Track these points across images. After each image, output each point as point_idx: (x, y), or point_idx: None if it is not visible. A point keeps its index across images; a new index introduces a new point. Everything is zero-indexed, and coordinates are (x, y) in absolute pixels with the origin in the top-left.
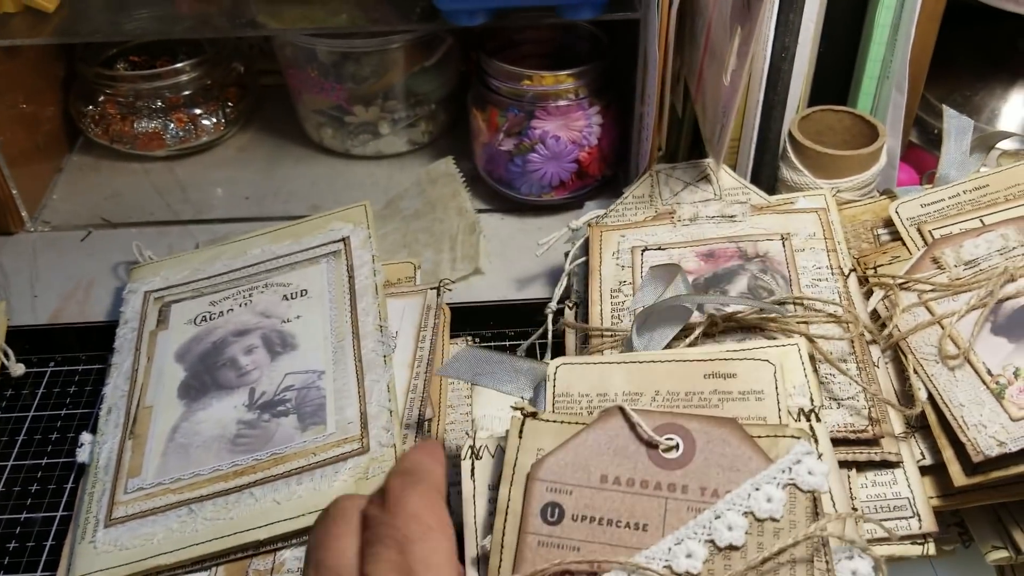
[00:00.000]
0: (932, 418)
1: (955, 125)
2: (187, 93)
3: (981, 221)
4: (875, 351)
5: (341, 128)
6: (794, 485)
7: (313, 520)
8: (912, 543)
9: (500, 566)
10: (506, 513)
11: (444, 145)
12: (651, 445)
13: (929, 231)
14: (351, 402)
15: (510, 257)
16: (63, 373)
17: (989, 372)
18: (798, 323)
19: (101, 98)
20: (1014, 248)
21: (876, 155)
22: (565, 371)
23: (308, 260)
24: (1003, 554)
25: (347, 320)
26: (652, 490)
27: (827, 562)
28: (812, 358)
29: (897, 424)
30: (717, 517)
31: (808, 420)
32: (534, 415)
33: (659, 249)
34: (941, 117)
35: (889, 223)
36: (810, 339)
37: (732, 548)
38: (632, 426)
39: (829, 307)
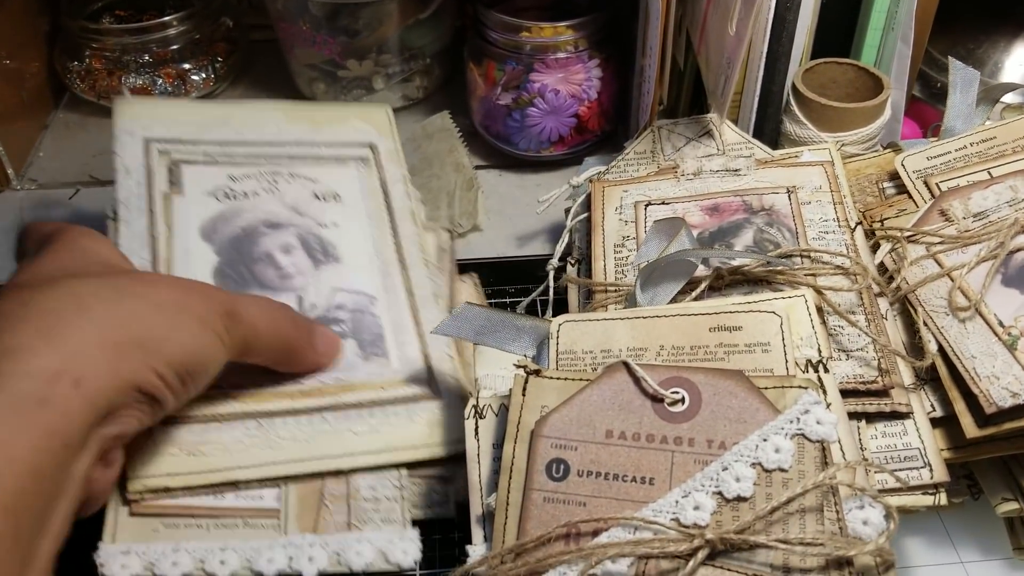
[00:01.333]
0: (943, 371)
1: (961, 77)
2: (175, 48)
3: (989, 173)
4: (883, 304)
5: (334, 83)
6: (802, 435)
7: (395, 458)
8: (923, 493)
9: (506, 523)
10: (511, 471)
11: (440, 100)
12: (656, 399)
13: (936, 184)
14: (411, 339)
15: (509, 214)
16: None
17: (1001, 323)
18: (805, 275)
19: (87, 53)
20: (1023, 199)
21: (881, 108)
22: (568, 328)
23: (334, 158)
24: (1013, 506)
25: (390, 244)
26: (658, 444)
27: (837, 511)
28: (820, 309)
29: (907, 376)
30: (724, 469)
31: (816, 371)
32: (537, 372)
33: (663, 204)
34: (944, 71)
35: (894, 177)
36: (818, 291)
37: (740, 499)
38: (637, 380)
39: (837, 259)
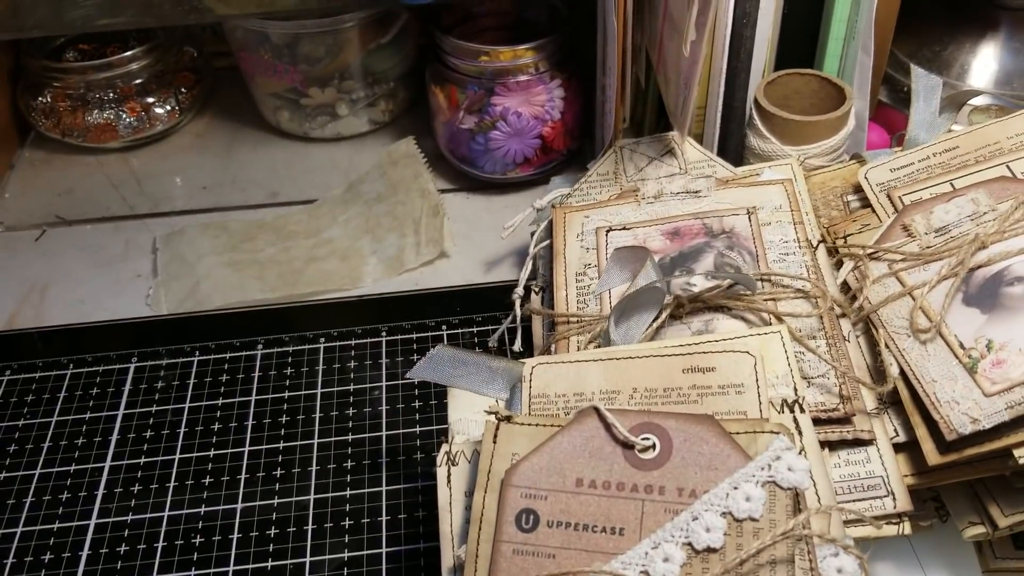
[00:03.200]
0: (904, 394)
1: (923, 85)
2: (139, 81)
3: (952, 185)
4: (846, 324)
5: (298, 111)
6: (774, 483)
7: None
8: (887, 523)
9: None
10: (480, 521)
11: (406, 124)
12: (627, 446)
13: (899, 197)
14: None
15: (476, 238)
16: (20, 382)
17: (961, 345)
18: (765, 300)
19: (49, 91)
20: (984, 213)
21: (844, 119)
22: (541, 371)
23: None
24: (980, 530)
25: None
26: (629, 492)
27: (810, 560)
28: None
29: (869, 401)
30: (695, 519)
31: (792, 412)
32: (508, 419)
33: (624, 229)
34: (910, 75)
35: (859, 189)
36: (778, 317)
37: (710, 550)
38: (607, 427)
39: (797, 282)
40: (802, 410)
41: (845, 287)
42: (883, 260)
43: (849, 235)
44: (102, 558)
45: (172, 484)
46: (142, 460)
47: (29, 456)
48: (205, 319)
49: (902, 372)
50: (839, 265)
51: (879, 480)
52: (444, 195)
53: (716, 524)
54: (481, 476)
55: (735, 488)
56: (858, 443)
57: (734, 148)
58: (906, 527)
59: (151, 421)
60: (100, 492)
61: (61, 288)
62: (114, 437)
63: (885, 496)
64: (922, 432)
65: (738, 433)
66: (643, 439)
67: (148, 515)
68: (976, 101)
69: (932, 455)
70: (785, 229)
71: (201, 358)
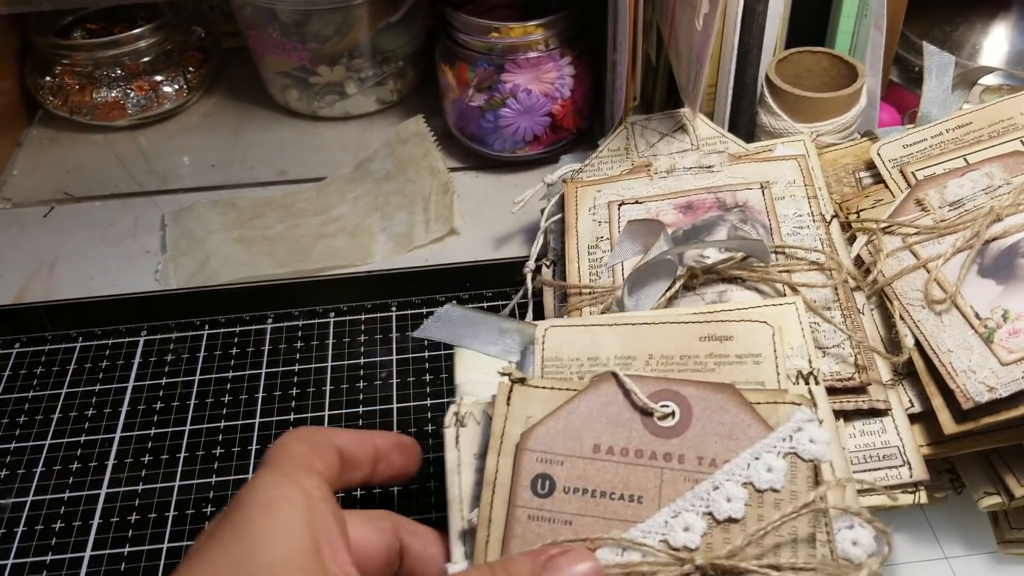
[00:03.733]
0: (920, 365)
1: (936, 62)
2: (147, 60)
3: (965, 160)
4: (860, 298)
5: (306, 89)
6: (795, 454)
7: None
8: (903, 492)
9: (488, 541)
10: (494, 485)
11: (414, 103)
12: (646, 413)
13: (912, 172)
14: None
15: (485, 216)
16: (29, 355)
17: (977, 315)
18: (780, 272)
19: (58, 69)
20: (999, 187)
21: (856, 96)
22: (554, 334)
23: None
24: (995, 500)
25: None
26: (647, 460)
27: (828, 532)
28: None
29: (884, 372)
30: (715, 488)
31: (807, 383)
32: (522, 381)
33: (636, 203)
34: (921, 54)
35: (871, 166)
36: (793, 288)
37: (731, 520)
38: (626, 393)
39: (811, 255)
40: (817, 382)
41: (858, 261)
42: (897, 234)
43: (862, 210)
44: (113, 527)
45: (183, 455)
46: (152, 431)
47: (39, 427)
48: (214, 293)
49: (917, 343)
50: (852, 240)
51: (895, 450)
52: (453, 174)
53: (738, 494)
54: (494, 439)
55: (756, 458)
56: (873, 413)
57: (745, 125)
58: (922, 496)
59: (161, 393)
60: (110, 462)
61: (70, 264)
62: (124, 409)
63: (901, 465)
64: (938, 402)
65: (759, 403)
66: (662, 406)
67: (159, 485)
68: (988, 81)
69: (948, 424)
70: (799, 203)
71: (211, 332)
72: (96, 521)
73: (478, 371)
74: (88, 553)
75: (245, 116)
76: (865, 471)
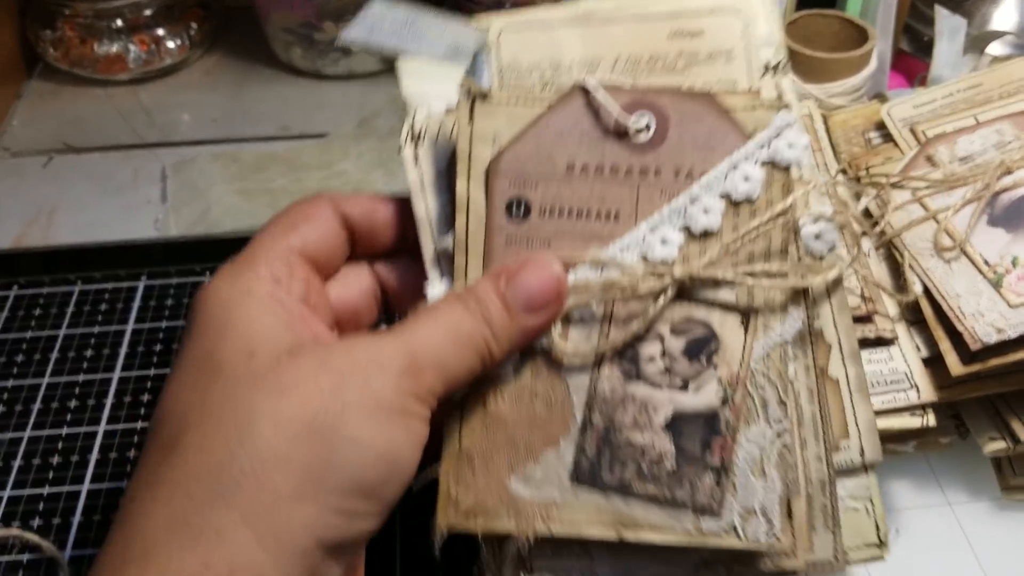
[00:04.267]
0: (928, 311)
1: (948, 25)
2: (148, 13)
3: (975, 119)
4: (866, 245)
5: (311, 47)
6: (772, 162)
7: None
8: (911, 414)
9: (467, 266)
10: (467, 210)
11: None
12: (620, 127)
13: (922, 131)
14: None
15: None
16: (27, 297)
17: (986, 262)
18: None
19: (59, 21)
20: (1010, 142)
21: (866, 58)
22: (510, 38)
23: None
24: (1000, 445)
25: None
26: (623, 176)
27: (795, 234)
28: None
29: (892, 313)
30: (693, 201)
31: (774, 74)
32: (484, 96)
33: None
34: (931, 24)
35: (880, 126)
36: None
37: (707, 234)
38: (597, 108)
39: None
40: (784, 73)
41: (866, 214)
42: (906, 188)
43: (871, 167)
44: (111, 463)
45: None
46: (152, 372)
47: (37, 366)
48: (215, 242)
49: (926, 290)
50: (859, 196)
51: (902, 375)
52: None
53: (714, 206)
54: (461, 163)
55: (734, 168)
56: (880, 342)
57: None
58: (930, 418)
59: (161, 336)
60: (109, 401)
61: (69, 212)
62: (123, 350)
63: (909, 388)
64: (945, 345)
65: (735, 111)
66: (638, 117)
67: None
68: (996, 51)
69: (955, 366)
70: None
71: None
72: (94, 456)
73: (426, 80)
74: (86, 487)
75: (248, 74)
76: (874, 395)
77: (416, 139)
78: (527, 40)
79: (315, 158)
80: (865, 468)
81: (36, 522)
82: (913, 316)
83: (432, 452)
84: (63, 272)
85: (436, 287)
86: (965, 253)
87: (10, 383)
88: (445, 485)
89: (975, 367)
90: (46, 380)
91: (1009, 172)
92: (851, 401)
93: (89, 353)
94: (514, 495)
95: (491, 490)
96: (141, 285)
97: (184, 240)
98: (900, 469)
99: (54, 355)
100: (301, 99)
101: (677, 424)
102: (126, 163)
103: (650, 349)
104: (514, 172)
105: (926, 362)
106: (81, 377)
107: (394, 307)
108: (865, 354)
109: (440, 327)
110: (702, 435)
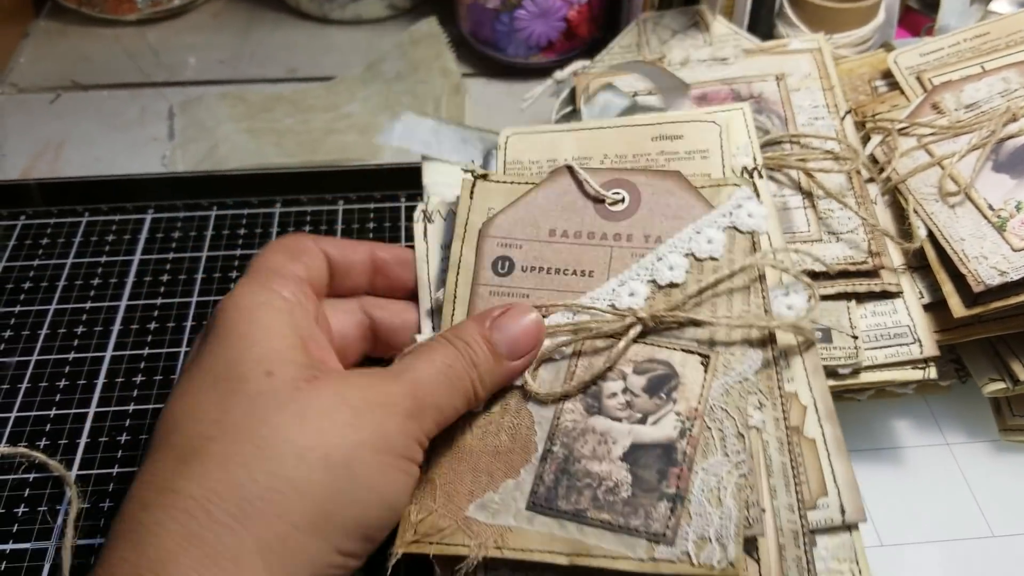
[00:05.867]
0: (931, 255)
1: None
2: None
3: (982, 67)
4: (872, 192)
5: None
6: (734, 228)
7: None
8: (913, 368)
9: (453, 314)
10: (458, 267)
11: (426, 11)
12: (598, 200)
13: (928, 79)
14: None
15: (496, 122)
16: (34, 227)
17: (990, 207)
18: (796, 161)
19: None
20: (1015, 90)
21: (875, 9)
22: (516, 140)
23: None
24: (1000, 385)
25: None
26: (599, 240)
27: (763, 295)
28: (753, 122)
29: (896, 259)
30: (659, 259)
31: (751, 177)
32: (485, 176)
33: (649, 94)
34: None
35: (887, 75)
36: (808, 173)
37: (672, 285)
38: (580, 183)
39: (827, 144)
40: (760, 176)
41: (872, 160)
42: (912, 135)
43: (877, 114)
44: (117, 387)
45: (189, 324)
46: (159, 301)
47: (44, 293)
48: (223, 178)
49: (930, 234)
50: (866, 141)
51: (906, 329)
52: (465, 80)
53: (679, 263)
54: (459, 228)
55: (698, 232)
56: (885, 295)
57: (763, 36)
58: (932, 371)
59: (168, 267)
60: (116, 328)
61: (76, 147)
62: (130, 279)
63: (912, 343)
64: (948, 288)
65: (703, 187)
66: (613, 193)
67: (165, 350)
68: (1001, 8)
69: (958, 308)
70: (815, 95)
71: (219, 213)
72: (101, 380)
73: (443, 174)
74: (92, 409)
75: (255, 17)
76: (876, 348)
77: (427, 219)
78: (530, 142)
79: (322, 100)
80: (848, 528)
81: (43, 442)
82: (916, 262)
83: None
84: (70, 204)
85: (425, 336)
86: (969, 198)
87: (17, 309)
88: (407, 511)
89: (977, 309)
90: (53, 307)
91: (1014, 119)
92: (828, 461)
93: (96, 282)
94: (470, 519)
95: (449, 515)
96: (148, 218)
97: (192, 175)
98: (899, 410)
99: (61, 283)
100: (308, 43)
101: (634, 454)
102: (133, 101)
103: (613, 386)
104: (502, 234)
105: (928, 308)
106: (88, 305)
107: (383, 342)
108: (870, 307)
109: (435, 369)
110: (659, 465)
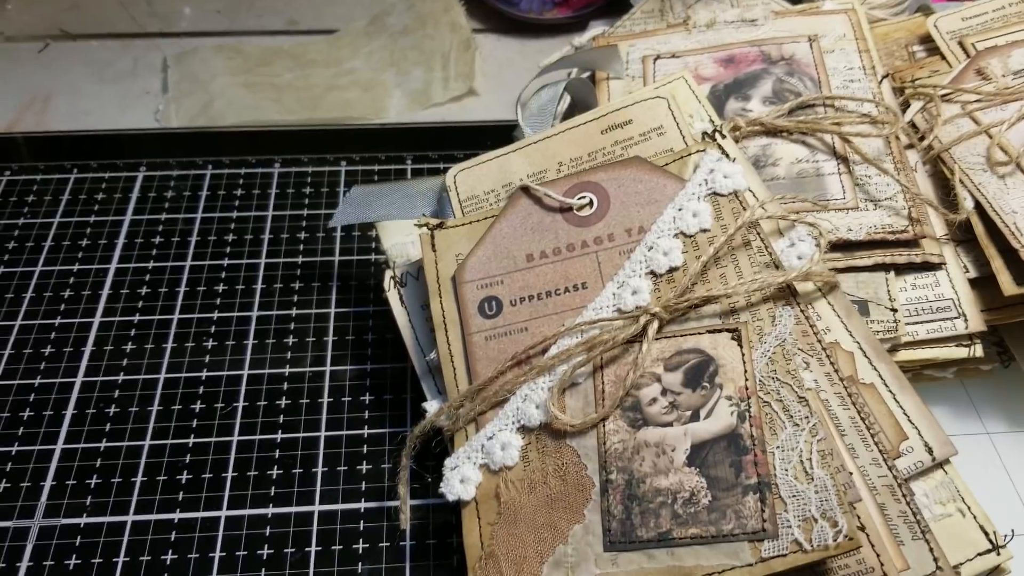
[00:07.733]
0: (979, 228)
1: None
2: None
3: None
4: (912, 158)
5: None
6: (714, 193)
7: None
8: (957, 345)
9: (455, 374)
10: (444, 325)
11: None
12: (565, 209)
13: (972, 44)
14: None
15: (508, 80)
16: (20, 183)
17: None
18: (830, 124)
19: None
20: None
21: None
22: (464, 176)
23: None
24: None
25: None
26: (580, 250)
27: (765, 245)
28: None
29: (938, 229)
30: (650, 249)
31: (714, 139)
32: (440, 225)
33: (672, 57)
34: None
35: (926, 39)
36: (844, 138)
37: (673, 270)
38: (539, 199)
39: (864, 106)
40: (723, 136)
41: (913, 128)
42: (956, 101)
43: (917, 79)
44: (106, 355)
45: (183, 289)
46: (151, 264)
47: (29, 254)
48: (218, 135)
49: (977, 206)
50: (905, 107)
51: (949, 303)
52: (475, 36)
53: (672, 246)
54: (431, 285)
55: (679, 210)
56: (927, 267)
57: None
58: (977, 349)
59: (160, 228)
60: (105, 292)
61: (64, 99)
62: (120, 241)
63: (956, 318)
64: (998, 263)
65: (668, 164)
66: (579, 199)
67: (156, 317)
68: None
69: (1008, 286)
70: (850, 57)
71: (214, 172)
72: (89, 348)
73: (402, 232)
74: (80, 379)
75: None
76: (918, 323)
77: (400, 283)
78: (479, 174)
79: (323, 54)
80: (940, 466)
81: (26, 413)
82: (961, 235)
83: None
84: (58, 160)
85: (432, 403)
86: (1021, 168)
87: (0, 270)
88: None
89: None
90: (39, 268)
91: None
92: (895, 400)
93: (84, 243)
94: None
95: None
96: (140, 176)
97: (186, 131)
98: (937, 397)
99: (47, 244)
100: None
101: (699, 455)
102: (125, 52)
103: (649, 392)
104: (479, 276)
105: (973, 283)
106: (76, 267)
107: None
108: (911, 279)
109: None
110: (730, 458)
